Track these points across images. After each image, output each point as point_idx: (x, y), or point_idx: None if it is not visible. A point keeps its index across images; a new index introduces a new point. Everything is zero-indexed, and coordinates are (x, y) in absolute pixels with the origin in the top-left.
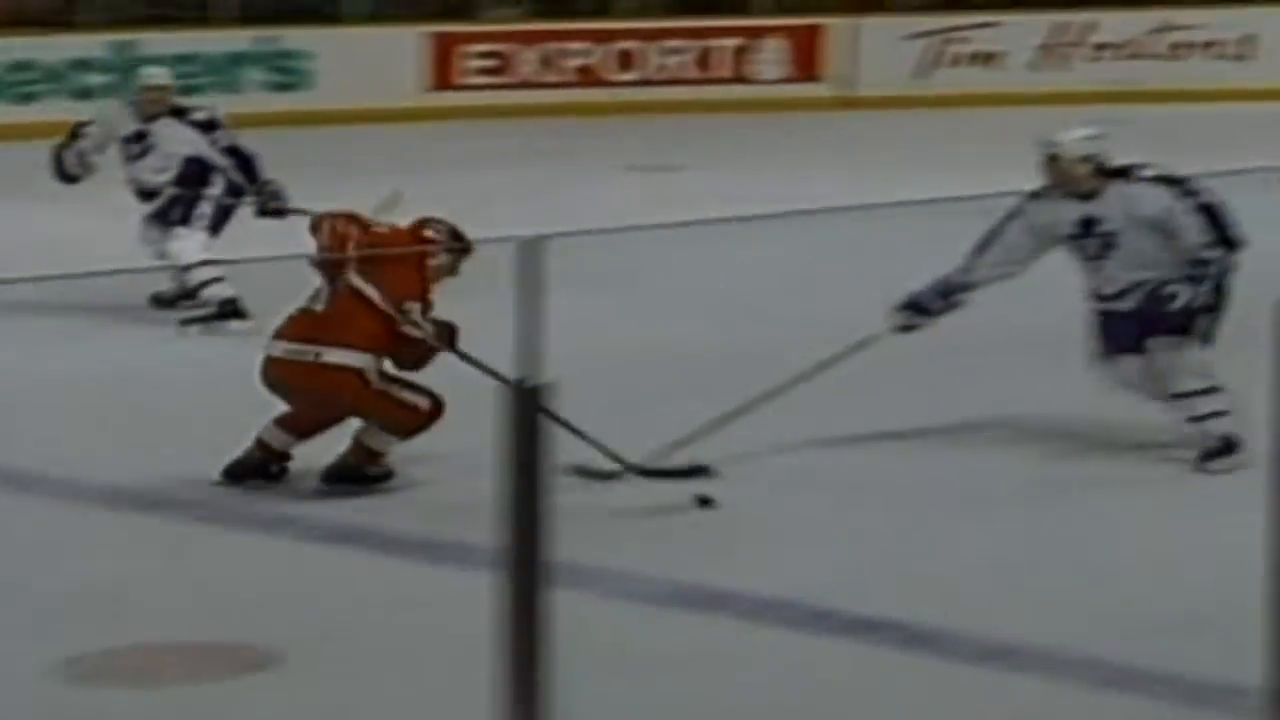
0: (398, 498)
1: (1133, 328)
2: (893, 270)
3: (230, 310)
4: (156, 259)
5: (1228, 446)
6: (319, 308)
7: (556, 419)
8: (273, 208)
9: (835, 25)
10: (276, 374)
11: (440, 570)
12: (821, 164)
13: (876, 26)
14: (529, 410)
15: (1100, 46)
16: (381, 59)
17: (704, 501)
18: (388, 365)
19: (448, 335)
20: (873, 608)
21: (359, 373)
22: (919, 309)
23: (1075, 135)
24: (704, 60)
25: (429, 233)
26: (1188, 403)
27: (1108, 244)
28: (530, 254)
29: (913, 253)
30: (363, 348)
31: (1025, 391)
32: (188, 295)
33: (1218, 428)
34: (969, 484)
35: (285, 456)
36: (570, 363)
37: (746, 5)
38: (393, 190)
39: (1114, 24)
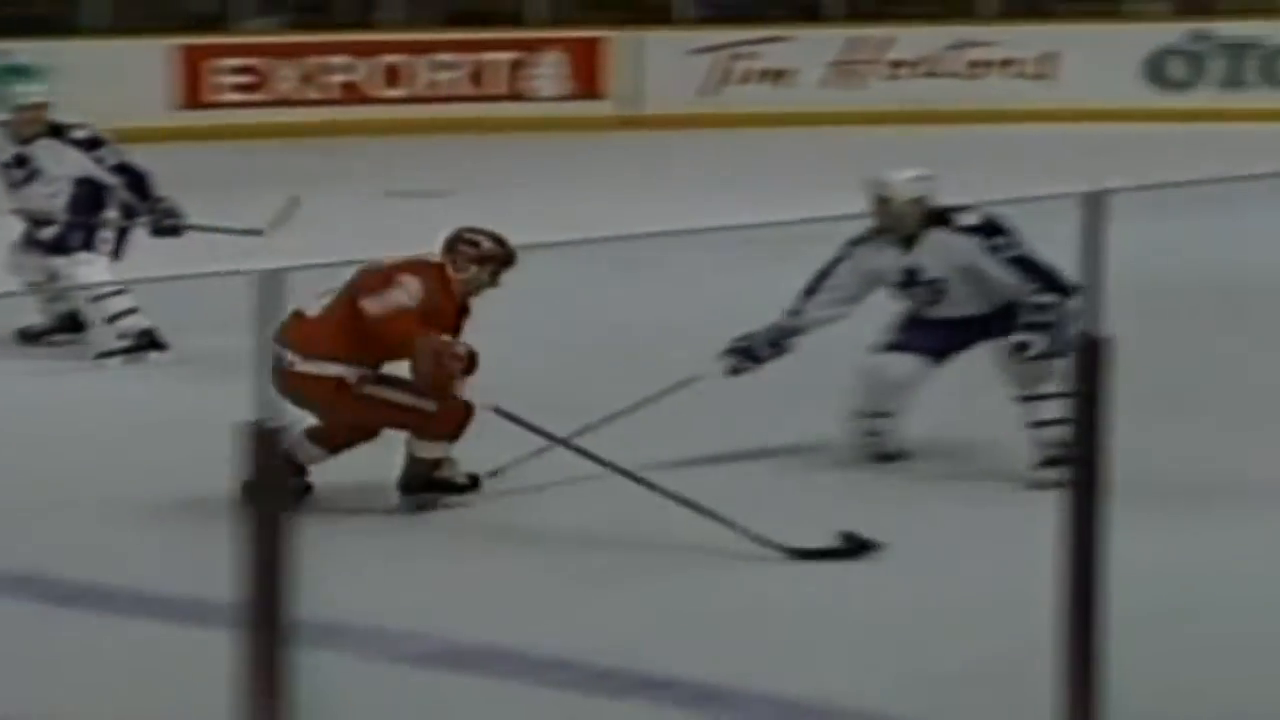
0: (136, 553)
1: (941, 337)
2: (681, 297)
3: (148, 341)
4: (28, 288)
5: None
6: (311, 312)
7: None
8: (168, 225)
9: (617, 38)
10: (274, 381)
11: (182, 629)
12: (603, 186)
13: (661, 40)
14: (269, 453)
15: (896, 64)
16: (125, 74)
17: (854, 549)
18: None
19: (466, 365)
20: (660, 664)
21: (337, 381)
22: (748, 355)
23: (905, 176)
24: (477, 76)
25: (465, 246)
26: (1030, 406)
27: (938, 290)
28: (270, 288)
29: (703, 280)
30: (342, 358)
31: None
32: (62, 329)
33: (1054, 435)
34: (770, 525)
35: (303, 472)
36: None
37: (521, 17)
38: (288, 198)
39: (910, 41)
